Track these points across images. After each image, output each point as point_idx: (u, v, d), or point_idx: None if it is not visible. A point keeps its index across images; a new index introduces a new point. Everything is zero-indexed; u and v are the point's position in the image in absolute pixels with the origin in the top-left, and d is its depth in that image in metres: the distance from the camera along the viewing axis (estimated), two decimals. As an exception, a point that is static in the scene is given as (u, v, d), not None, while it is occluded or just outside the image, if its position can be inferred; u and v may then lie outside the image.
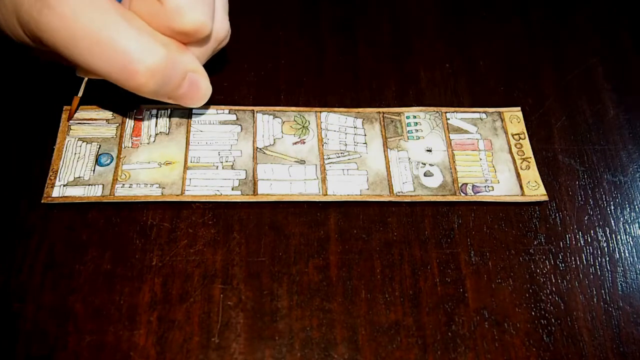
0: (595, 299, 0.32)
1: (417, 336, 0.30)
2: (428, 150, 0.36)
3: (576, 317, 0.31)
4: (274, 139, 0.36)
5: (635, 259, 0.33)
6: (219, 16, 0.33)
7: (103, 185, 0.33)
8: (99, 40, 0.28)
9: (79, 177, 0.33)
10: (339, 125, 0.37)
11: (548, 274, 0.32)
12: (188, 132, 0.36)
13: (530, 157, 0.36)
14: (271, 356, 0.29)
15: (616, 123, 0.38)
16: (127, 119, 0.36)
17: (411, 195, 0.34)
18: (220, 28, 0.33)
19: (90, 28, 0.28)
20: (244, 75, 0.38)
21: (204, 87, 0.33)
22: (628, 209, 0.35)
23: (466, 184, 0.35)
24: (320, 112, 0.37)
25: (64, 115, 0.36)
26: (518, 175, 0.35)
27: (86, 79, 0.34)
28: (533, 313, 0.31)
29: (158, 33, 0.30)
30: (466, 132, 0.37)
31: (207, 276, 0.31)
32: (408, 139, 0.36)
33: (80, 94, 0.35)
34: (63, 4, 0.28)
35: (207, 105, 0.37)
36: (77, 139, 0.35)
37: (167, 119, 0.36)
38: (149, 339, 0.29)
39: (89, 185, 0.33)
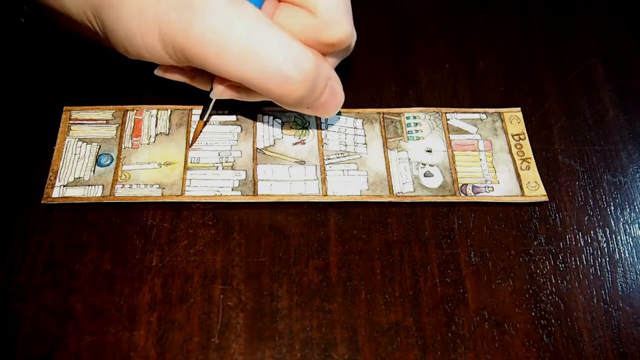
0: (595, 300, 0.32)
1: (417, 337, 0.30)
2: (428, 151, 0.36)
3: (576, 317, 0.31)
4: (274, 140, 0.36)
5: (635, 259, 0.33)
6: None
7: (103, 185, 0.33)
8: (252, 48, 0.29)
9: (79, 178, 0.33)
10: (338, 125, 0.37)
11: (548, 274, 0.32)
12: (188, 132, 0.36)
13: (530, 158, 0.36)
14: (271, 357, 0.29)
15: (616, 123, 0.38)
16: (127, 120, 0.36)
17: (411, 196, 0.34)
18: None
19: (243, 37, 0.29)
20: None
21: (340, 95, 0.33)
22: (628, 210, 0.35)
23: (466, 184, 0.35)
24: (320, 112, 0.37)
25: (64, 116, 0.36)
26: (518, 176, 0.35)
27: (213, 101, 0.34)
28: (533, 313, 0.31)
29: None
30: (466, 132, 0.37)
31: (207, 277, 0.31)
32: (408, 139, 0.36)
33: (205, 118, 0.35)
34: (214, 15, 0.28)
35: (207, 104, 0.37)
36: (77, 139, 0.35)
37: (167, 119, 0.36)
38: (149, 339, 0.29)
39: (89, 185, 0.33)
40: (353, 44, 0.33)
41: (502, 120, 0.38)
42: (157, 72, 0.33)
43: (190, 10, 0.28)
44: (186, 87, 0.37)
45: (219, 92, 0.33)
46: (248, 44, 0.29)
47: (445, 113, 0.38)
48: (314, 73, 0.30)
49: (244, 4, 0.29)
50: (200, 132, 0.35)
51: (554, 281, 0.32)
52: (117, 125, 0.36)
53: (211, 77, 0.33)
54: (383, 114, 0.37)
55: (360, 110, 0.37)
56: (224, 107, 0.37)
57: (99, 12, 0.30)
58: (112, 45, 0.32)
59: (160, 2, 0.29)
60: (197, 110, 0.36)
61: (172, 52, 0.30)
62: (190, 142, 0.35)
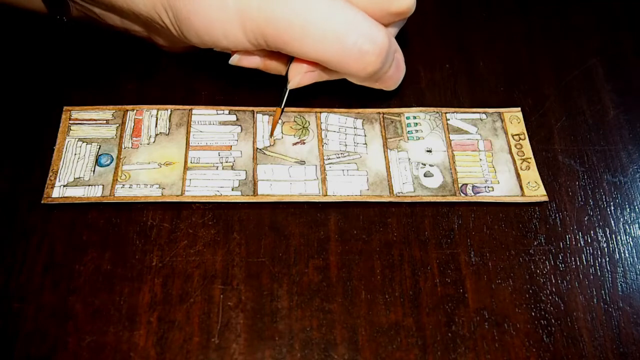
0: (595, 300, 0.32)
1: (417, 337, 0.30)
2: (428, 151, 0.36)
3: (576, 317, 0.31)
4: (274, 140, 0.36)
5: (635, 259, 0.33)
6: None
7: (103, 185, 0.33)
8: (331, 27, 0.31)
9: (79, 178, 0.33)
10: (339, 125, 0.37)
11: (548, 274, 0.32)
12: (188, 132, 0.36)
13: (530, 158, 0.36)
14: (271, 357, 0.29)
15: (616, 124, 0.38)
16: (127, 120, 0.36)
17: (411, 196, 0.34)
18: None
19: (322, 17, 0.31)
20: (244, 76, 0.38)
21: (403, 67, 0.36)
22: (628, 210, 0.35)
23: (466, 184, 0.35)
24: (320, 112, 0.37)
25: (64, 116, 0.36)
26: (518, 176, 0.35)
27: (288, 90, 0.35)
28: (533, 313, 0.31)
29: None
30: (466, 132, 0.37)
31: (207, 277, 0.31)
32: (408, 139, 0.36)
33: (282, 105, 0.35)
34: None
35: (207, 106, 0.37)
36: (77, 139, 0.35)
37: (167, 119, 0.36)
38: (149, 339, 0.29)
39: (89, 185, 0.33)
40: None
41: (502, 120, 0.38)
42: (233, 61, 0.34)
43: None
44: (185, 87, 0.37)
45: (297, 83, 0.34)
46: (327, 24, 0.31)
47: (445, 113, 0.38)
48: (387, 46, 0.32)
49: None
50: (279, 119, 0.36)
51: (554, 281, 0.32)
52: (117, 125, 0.36)
53: (284, 61, 0.34)
54: (383, 114, 0.37)
55: (360, 110, 0.37)
56: (224, 106, 0.37)
57: (173, 5, 0.31)
58: (183, 37, 0.33)
59: None
60: (197, 110, 0.36)
61: (253, 38, 0.31)
62: (270, 131, 0.36)
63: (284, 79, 0.34)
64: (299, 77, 0.34)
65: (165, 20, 0.32)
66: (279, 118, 0.36)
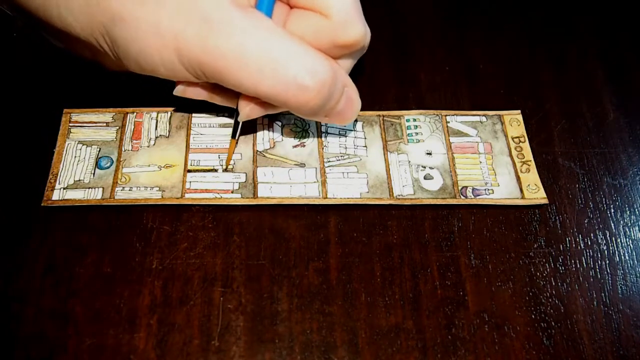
0: (595, 302, 0.32)
1: (417, 339, 0.30)
2: (428, 154, 0.36)
3: (576, 320, 0.31)
4: (274, 142, 0.36)
5: (635, 262, 0.33)
6: None
7: (103, 188, 0.33)
8: (268, 59, 0.29)
9: (79, 180, 0.33)
10: (339, 128, 0.37)
11: (548, 277, 0.32)
12: (188, 135, 0.36)
13: (530, 160, 0.36)
14: (271, 359, 0.29)
15: (616, 126, 0.38)
16: (127, 122, 0.36)
17: (411, 199, 0.34)
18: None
19: (259, 49, 0.29)
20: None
21: (357, 102, 0.33)
22: (628, 212, 0.35)
23: (466, 187, 0.35)
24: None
25: (64, 118, 0.36)
26: (518, 179, 0.35)
27: (241, 123, 0.34)
28: (533, 316, 0.31)
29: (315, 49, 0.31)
30: (466, 135, 0.37)
31: (207, 279, 0.31)
32: (408, 142, 0.36)
33: (237, 137, 0.34)
34: (231, 28, 0.29)
35: (206, 106, 0.37)
36: (77, 142, 0.35)
37: (167, 122, 0.36)
38: (149, 342, 0.29)
39: (89, 188, 0.33)
40: (367, 44, 0.33)
41: (502, 123, 0.38)
42: (177, 92, 0.33)
43: (207, 25, 0.28)
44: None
45: (246, 114, 0.32)
46: (264, 56, 0.29)
47: (445, 116, 0.38)
48: (330, 81, 0.30)
49: (257, 15, 0.30)
50: (234, 151, 0.35)
51: (554, 284, 0.32)
52: (117, 127, 0.36)
53: (232, 93, 0.32)
54: (383, 116, 0.37)
55: (360, 112, 0.37)
56: (224, 109, 0.37)
57: (110, 30, 0.30)
58: (123, 63, 0.31)
59: (177, 18, 0.29)
60: (197, 114, 0.36)
61: (190, 68, 0.30)
62: (225, 165, 0.35)
63: (235, 110, 0.33)
64: (247, 108, 0.32)
65: (103, 46, 0.31)
66: (234, 150, 0.35)
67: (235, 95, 0.32)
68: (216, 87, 0.32)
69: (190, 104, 0.37)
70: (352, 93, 0.32)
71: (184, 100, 0.37)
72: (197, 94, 0.33)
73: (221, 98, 0.33)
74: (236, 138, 0.35)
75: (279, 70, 0.29)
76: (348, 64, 0.33)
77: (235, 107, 0.33)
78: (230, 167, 0.35)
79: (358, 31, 0.31)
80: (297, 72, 0.29)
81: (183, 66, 0.30)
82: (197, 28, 0.29)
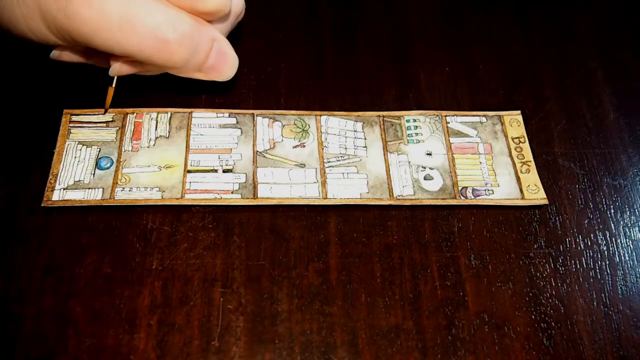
0: (595, 303, 0.32)
1: (417, 340, 0.30)
2: (428, 154, 0.36)
3: (576, 320, 0.31)
4: (274, 143, 0.36)
5: (635, 262, 0.33)
6: None
7: (103, 188, 0.33)
8: (128, 18, 0.30)
9: (79, 181, 0.33)
10: (339, 128, 0.37)
11: (548, 277, 0.32)
12: (188, 135, 0.36)
13: (530, 161, 0.36)
14: (271, 360, 0.29)
15: (616, 126, 0.38)
16: (127, 123, 0.36)
17: (411, 199, 0.34)
18: (238, 3, 0.35)
19: (119, 9, 0.30)
20: (244, 79, 0.38)
21: (232, 56, 0.34)
22: (628, 213, 0.35)
23: (466, 187, 0.35)
24: (320, 115, 0.37)
25: (64, 119, 0.36)
26: (518, 179, 0.35)
27: (115, 80, 0.35)
28: (533, 317, 0.31)
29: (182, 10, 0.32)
30: (466, 135, 0.37)
31: (207, 280, 0.31)
32: (408, 142, 0.36)
33: (113, 84, 0.35)
34: None
35: (207, 109, 0.37)
36: (77, 142, 0.35)
37: (167, 122, 0.36)
38: (149, 342, 0.29)
39: (89, 188, 0.33)
40: (239, 9, 0.35)
41: (502, 124, 0.38)
42: (53, 56, 0.34)
43: None
44: (186, 90, 0.37)
45: (117, 70, 0.33)
46: (123, 15, 0.30)
47: (445, 116, 0.38)
48: (190, 32, 0.31)
49: None
50: (111, 99, 0.36)
51: (554, 284, 0.32)
52: (117, 128, 0.36)
53: (104, 54, 0.33)
54: (383, 117, 0.37)
55: (360, 113, 0.37)
56: (224, 110, 0.37)
57: None
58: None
59: None
60: (197, 114, 0.36)
61: (58, 34, 0.31)
62: (104, 109, 0.36)
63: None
64: (117, 65, 0.33)
65: None
66: (112, 97, 0.36)
67: (109, 55, 0.33)
68: (89, 50, 0.33)
69: (190, 103, 0.37)
70: (224, 47, 0.34)
71: (184, 100, 0.37)
72: (72, 57, 0.34)
73: (95, 59, 0.34)
74: (113, 86, 0.35)
75: (139, 27, 0.30)
76: (220, 27, 0.34)
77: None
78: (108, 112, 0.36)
79: (214, 2, 0.32)
80: (157, 27, 0.30)
81: (51, 32, 0.31)
82: None
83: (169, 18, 0.31)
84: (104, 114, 0.36)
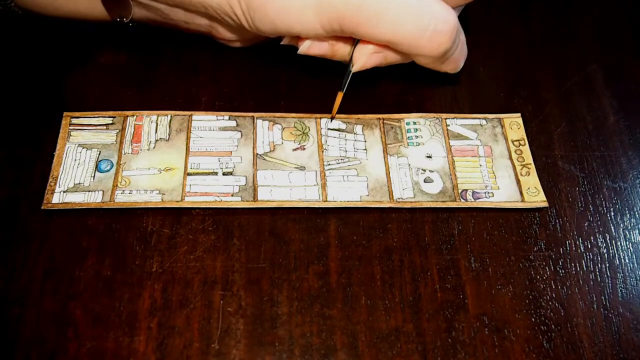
0: (595, 305, 0.32)
1: (417, 342, 0.30)
2: (428, 157, 0.36)
3: (576, 323, 0.31)
4: (274, 145, 0.36)
5: (635, 265, 0.33)
6: None
7: (103, 191, 0.33)
8: (407, 8, 0.32)
9: (79, 183, 0.33)
10: (338, 131, 0.37)
11: (548, 280, 0.32)
12: (188, 138, 0.36)
13: (530, 164, 0.36)
14: (271, 362, 0.29)
15: (616, 129, 0.38)
16: (127, 125, 0.36)
17: (411, 202, 0.34)
18: None
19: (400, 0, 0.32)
20: (244, 82, 0.39)
21: (465, 48, 0.37)
22: (628, 215, 0.35)
23: (466, 190, 0.35)
24: (320, 118, 0.37)
25: (64, 121, 0.36)
26: (518, 182, 0.35)
27: (351, 72, 0.35)
28: (533, 319, 0.31)
29: None
30: (466, 138, 0.37)
31: (207, 282, 0.31)
32: (408, 145, 0.36)
33: (344, 88, 0.36)
34: None
35: (207, 112, 0.37)
36: (77, 145, 0.35)
37: (167, 125, 0.36)
38: (149, 345, 0.29)
39: (89, 191, 0.33)
40: None
41: (502, 126, 0.38)
42: (303, 49, 0.35)
43: None
44: (185, 93, 0.37)
45: (362, 64, 0.35)
46: (402, 6, 0.32)
47: (445, 119, 0.38)
48: (457, 25, 0.34)
49: None
50: (340, 103, 0.36)
51: (554, 287, 0.32)
52: (117, 130, 0.36)
53: (349, 46, 0.35)
54: (383, 119, 0.37)
55: (360, 116, 0.37)
56: (224, 111, 0.37)
57: None
58: (249, 26, 0.34)
59: None
60: (197, 116, 0.36)
61: (327, 23, 0.32)
62: (332, 115, 0.37)
63: (346, 63, 0.35)
64: (364, 58, 0.34)
65: (236, 11, 0.33)
66: (340, 101, 0.36)
67: (353, 45, 0.35)
68: (339, 40, 0.35)
69: (190, 106, 0.37)
70: (463, 40, 0.36)
71: (184, 103, 0.37)
72: (322, 49, 0.35)
73: (343, 50, 0.35)
74: (343, 89, 0.36)
75: (416, 18, 0.32)
76: (457, 12, 0.36)
77: (346, 62, 0.35)
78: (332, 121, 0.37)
79: None
80: (432, 19, 0.32)
81: (319, 22, 0.33)
82: None
83: (442, 11, 0.32)
84: (331, 121, 0.37)
